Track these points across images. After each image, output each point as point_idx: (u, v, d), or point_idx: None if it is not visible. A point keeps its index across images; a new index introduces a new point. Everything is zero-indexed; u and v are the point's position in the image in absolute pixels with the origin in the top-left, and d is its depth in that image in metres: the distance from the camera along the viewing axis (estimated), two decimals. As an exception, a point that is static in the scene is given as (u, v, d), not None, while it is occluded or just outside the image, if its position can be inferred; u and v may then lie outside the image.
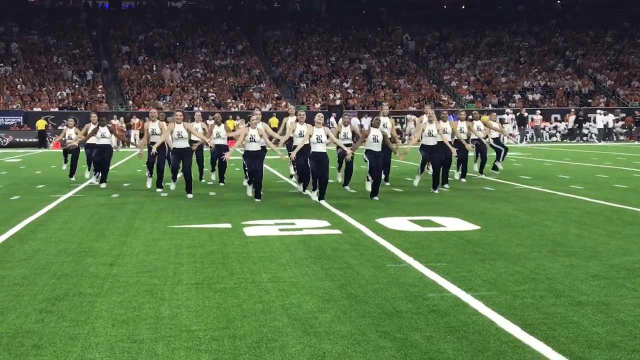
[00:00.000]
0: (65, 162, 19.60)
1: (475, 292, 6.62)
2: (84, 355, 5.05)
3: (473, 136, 18.21)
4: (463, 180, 17.51)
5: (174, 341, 5.32)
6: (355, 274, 7.44)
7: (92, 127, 17.56)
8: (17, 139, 40.96)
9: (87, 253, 8.69)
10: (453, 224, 10.82)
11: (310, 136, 13.50)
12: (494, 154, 19.47)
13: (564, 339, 5.29)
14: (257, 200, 13.78)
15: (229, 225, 10.78)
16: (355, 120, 40.85)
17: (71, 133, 18.44)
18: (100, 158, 16.89)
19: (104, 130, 16.85)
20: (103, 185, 16.92)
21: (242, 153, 14.54)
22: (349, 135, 14.72)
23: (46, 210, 12.81)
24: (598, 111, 44.52)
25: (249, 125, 13.93)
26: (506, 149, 19.81)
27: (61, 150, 19.09)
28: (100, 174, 17.13)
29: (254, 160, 13.83)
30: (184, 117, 14.73)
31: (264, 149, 14.28)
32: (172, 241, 9.48)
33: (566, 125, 44.82)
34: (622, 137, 44.04)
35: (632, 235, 9.72)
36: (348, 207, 12.81)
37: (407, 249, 8.73)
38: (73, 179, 18.46)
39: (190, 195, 14.46)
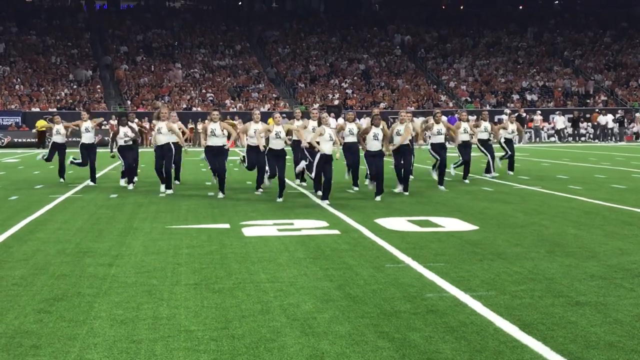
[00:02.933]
0: (51, 159, 18.54)
1: (473, 292, 6.63)
2: (83, 355, 5.05)
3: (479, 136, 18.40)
4: (466, 181, 17.45)
5: (172, 341, 5.33)
6: (354, 274, 7.44)
7: (83, 124, 17.53)
8: (16, 139, 40.92)
9: (86, 253, 8.69)
10: (451, 224, 10.82)
11: (320, 134, 13.53)
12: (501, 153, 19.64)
13: (562, 339, 5.30)
14: (280, 199, 13.79)
15: (227, 226, 10.78)
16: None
17: (59, 128, 18.22)
18: (131, 159, 16.56)
19: (125, 130, 16.40)
20: (131, 186, 16.58)
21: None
22: (354, 130, 14.95)
23: (45, 210, 12.81)
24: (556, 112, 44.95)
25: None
26: (507, 154, 19.79)
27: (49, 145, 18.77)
28: (127, 175, 16.78)
29: (277, 161, 13.91)
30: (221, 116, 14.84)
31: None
32: (170, 241, 9.48)
33: (553, 127, 44.88)
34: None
35: (631, 235, 9.73)
36: (346, 207, 12.81)
37: (406, 249, 8.74)
38: (62, 180, 18.26)
39: (221, 195, 14.55)
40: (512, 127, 19.64)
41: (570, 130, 44.77)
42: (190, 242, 9.40)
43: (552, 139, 44.67)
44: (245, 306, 6.24)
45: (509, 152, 19.41)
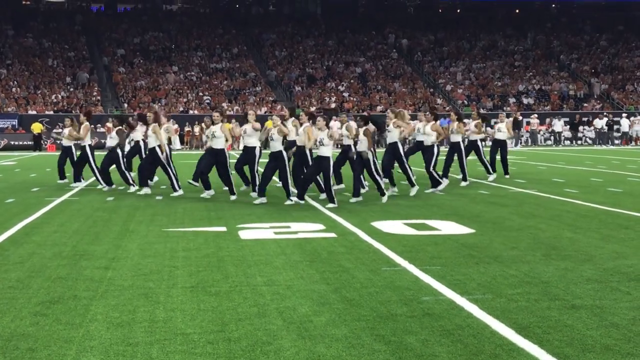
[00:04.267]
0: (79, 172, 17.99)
1: (469, 296, 6.63)
2: (79, 358, 5.05)
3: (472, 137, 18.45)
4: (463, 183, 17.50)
5: (168, 344, 5.32)
6: (350, 277, 7.45)
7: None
8: (12, 142, 40.87)
9: (82, 256, 8.68)
10: (448, 227, 10.83)
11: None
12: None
13: (558, 342, 5.31)
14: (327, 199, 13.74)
15: (224, 229, 10.78)
16: (352, 124, 41.47)
17: (65, 132, 18.22)
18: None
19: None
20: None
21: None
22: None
23: (41, 213, 12.79)
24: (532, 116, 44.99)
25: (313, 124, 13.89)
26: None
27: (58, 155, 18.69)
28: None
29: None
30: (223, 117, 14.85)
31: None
32: (167, 244, 9.47)
33: (552, 130, 44.99)
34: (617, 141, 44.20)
35: (626, 238, 9.74)
36: (343, 210, 12.82)
37: (402, 252, 8.74)
38: (64, 181, 18.24)
39: (233, 197, 14.71)
40: (501, 125, 19.58)
41: (568, 133, 44.85)
42: (186, 245, 9.39)
43: (549, 142, 44.75)
44: (241, 309, 6.24)
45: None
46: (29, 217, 12.14)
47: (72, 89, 47.61)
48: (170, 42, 55.35)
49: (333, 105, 47.00)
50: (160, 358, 5.04)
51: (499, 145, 19.57)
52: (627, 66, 56.16)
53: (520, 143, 42.71)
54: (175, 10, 62.84)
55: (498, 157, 19.61)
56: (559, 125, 44.52)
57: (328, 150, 13.44)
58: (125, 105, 45.90)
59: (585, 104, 50.62)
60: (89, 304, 6.44)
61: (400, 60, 56.27)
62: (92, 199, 15.09)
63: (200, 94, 48.60)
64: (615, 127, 44.46)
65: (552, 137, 44.84)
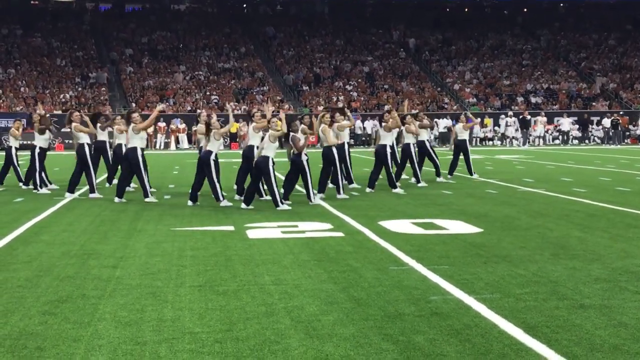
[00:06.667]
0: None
1: (477, 295, 6.62)
2: (87, 357, 5.06)
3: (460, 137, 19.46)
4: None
5: (177, 343, 5.33)
6: (358, 276, 7.45)
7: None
8: (20, 142, 40.94)
9: (90, 255, 8.71)
10: (455, 226, 10.82)
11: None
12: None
13: (566, 342, 5.30)
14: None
15: (232, 228, 10.79)
16: (357, 123, 42.06)
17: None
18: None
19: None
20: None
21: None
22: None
23: (49, 212, 12.84)
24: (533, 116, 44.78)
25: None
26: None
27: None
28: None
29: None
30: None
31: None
32: (175, 243, 9.49)
33: (559, 130, 44.86)
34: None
35: (635, 238, 9.71)
36: (351, 209, 12.82)
37: (410, 251, 8.74)
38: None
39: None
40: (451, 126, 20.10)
41: (577, 133, 44.69)
42: (194, 244, 9.41)
43: (557, 141, 44.62)
44: (249, 308, 6.25)
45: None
46: (38, 217, 12.18)
47: (80, 89, 47.74)
48: (178, 42, 55.42)
49: (340, 105, 47.00)
50: (168, 357, 5.05)
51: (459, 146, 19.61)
52: (636, 65, 55.95)
53: (528, 142, 42.61)
54: (183, 10, 62.87)
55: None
56: (566, 124, 44.36)
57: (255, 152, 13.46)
58: (133, 104, 45.97)
59: (594, 103, 50.44)
60: (97, 303, 6.46)
61: (407, 60, 56.21)
62: (100, 198, 15.11)
63: (208, 93, 48.65)
64: (620, 126, 44.37)
65: (560, 137, 44.71)
